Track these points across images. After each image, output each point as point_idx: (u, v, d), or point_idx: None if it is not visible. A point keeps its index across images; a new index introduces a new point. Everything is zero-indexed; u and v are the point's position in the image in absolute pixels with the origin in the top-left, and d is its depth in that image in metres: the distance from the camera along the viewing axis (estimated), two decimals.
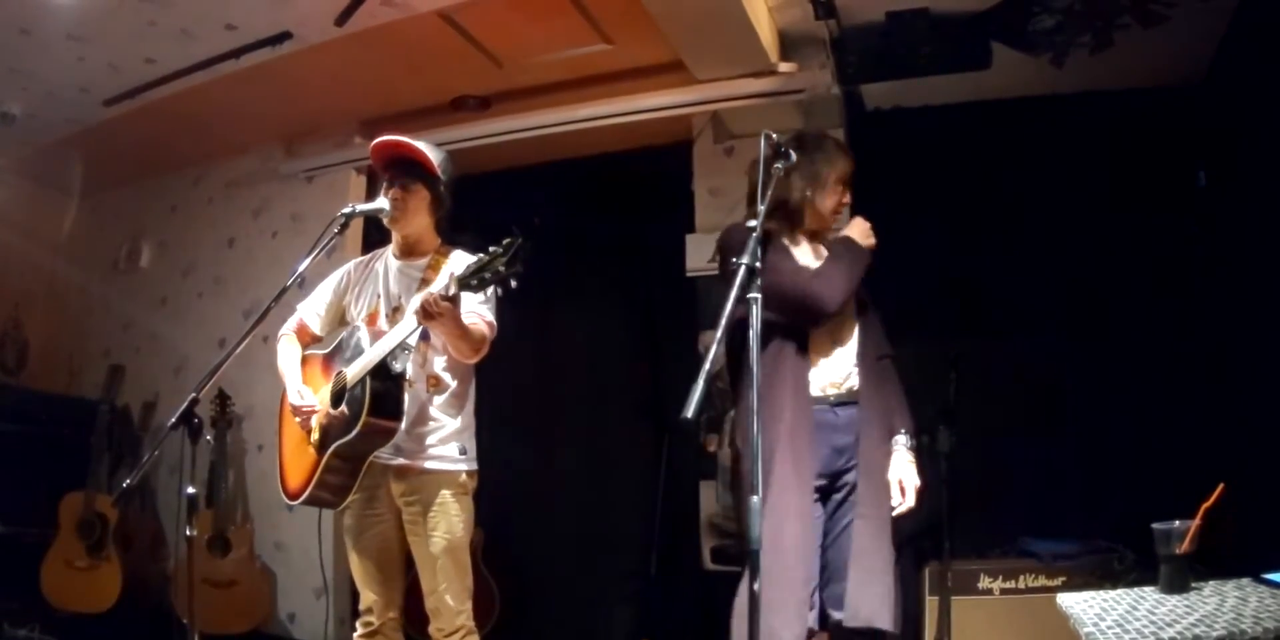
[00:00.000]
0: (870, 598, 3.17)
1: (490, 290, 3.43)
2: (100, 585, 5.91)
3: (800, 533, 3.17)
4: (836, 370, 3.41)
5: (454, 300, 3.16)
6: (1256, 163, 4.43)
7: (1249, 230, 4.53)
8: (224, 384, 5.96)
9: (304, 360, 3.78)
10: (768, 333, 3.21)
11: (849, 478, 3.34)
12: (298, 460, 3.63)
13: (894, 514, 3.32)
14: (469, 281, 3.07)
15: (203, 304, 6.86)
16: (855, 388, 3.40)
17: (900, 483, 3.37)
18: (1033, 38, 4.82)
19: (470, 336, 3.39)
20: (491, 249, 3.08)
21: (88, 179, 7.48)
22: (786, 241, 3.49)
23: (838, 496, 3.35)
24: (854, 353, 3.45)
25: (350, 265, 3.87)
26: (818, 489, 3.30)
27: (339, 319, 3.80)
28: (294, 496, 3.62)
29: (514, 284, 3.08)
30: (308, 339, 3.86)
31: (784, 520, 3.13)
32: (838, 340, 3.45)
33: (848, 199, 3.60)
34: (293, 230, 6.52)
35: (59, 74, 5.58)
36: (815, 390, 3.36)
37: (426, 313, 3.17)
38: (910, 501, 3.35)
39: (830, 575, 3.27)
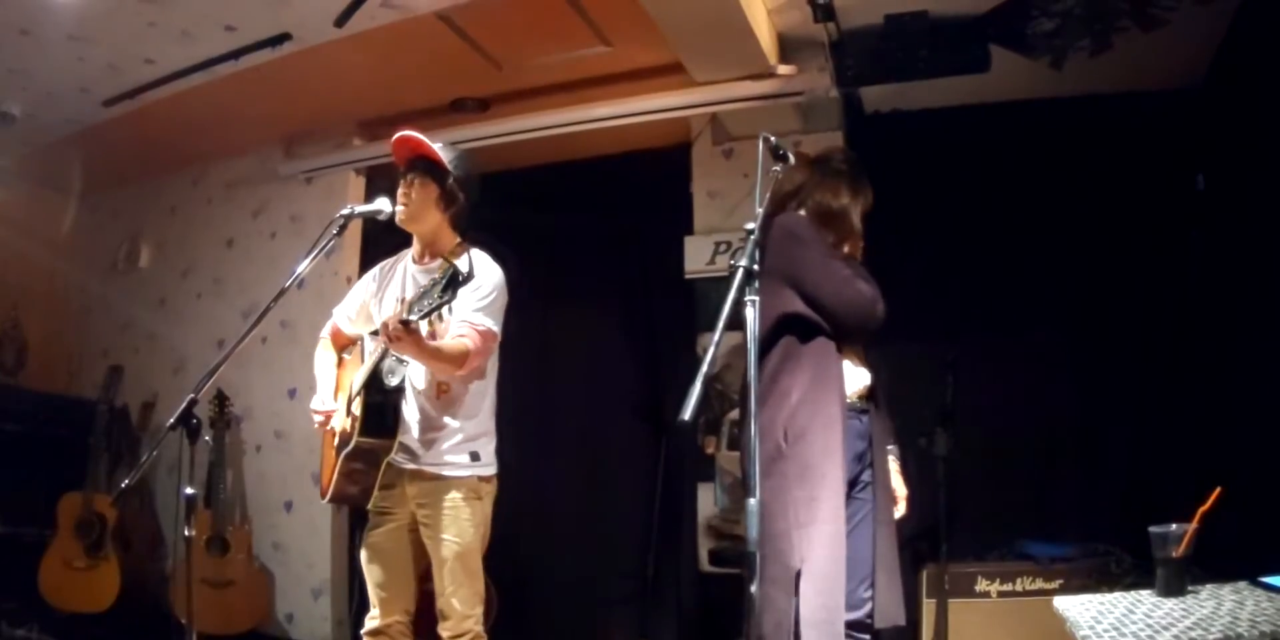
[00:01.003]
0: (894, 599, 3.27)
1: (493, 297, 3.46)
2: (98, 585, 5.92)
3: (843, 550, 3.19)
4: (862, 376, 3.42)
5: (406, 325, 3.15)
6: (1255, 166, 4.44)
7: (1247, 234, 4.53)
8: (222, 384, 5.98)
9: (342, 363, 3.85)
10: (813, 332, 3.22)
11: (864, 477, 3.36)
12: (329, 460, 3.69)
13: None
14: (412, 308, 3.10)
15: (201, 304, 6.87)
16: (865, 395, 3.42)
17: (896, 490, 3.48)
18: (1032, 41, 4.82)
19: (443, 356, 3.35)
20: (430, 278, 3.15)
21: (87, 179, 7.48)
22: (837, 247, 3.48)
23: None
24: (865, 360, 3.47)
25: (376, 268, 3.89)
26: None
27: (369, 321, 3.82)
28: (323, 494, 3.68)
29: (449, 312, 3.23)
30: (343, 341, 3.91)
31: (836, 539, 3.13)
32: (859, 346, 3.46)
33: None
34: (291, 231, 6.52)
35: (59, 74, 5.57)
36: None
37: (386, 336, 3.17)
38: (902, 510, 3.49)
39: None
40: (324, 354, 3.87)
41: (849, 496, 3.33)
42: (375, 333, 3.65)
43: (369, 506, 3.63)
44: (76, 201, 7.73)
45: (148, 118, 6.04)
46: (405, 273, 3.72)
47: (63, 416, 6.64)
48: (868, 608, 3.26)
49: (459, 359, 3.38)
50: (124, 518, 6.19)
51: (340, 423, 3.61)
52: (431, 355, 3.32)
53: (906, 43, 4.79)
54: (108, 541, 5.99)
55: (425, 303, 3.06)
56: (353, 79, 5.69)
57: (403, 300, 3.65)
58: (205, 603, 5.56)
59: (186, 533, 3.27)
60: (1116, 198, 5.09)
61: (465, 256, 3.27)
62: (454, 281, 3.03)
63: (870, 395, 3.43)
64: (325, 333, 3.93)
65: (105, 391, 6.63)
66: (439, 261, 3.62)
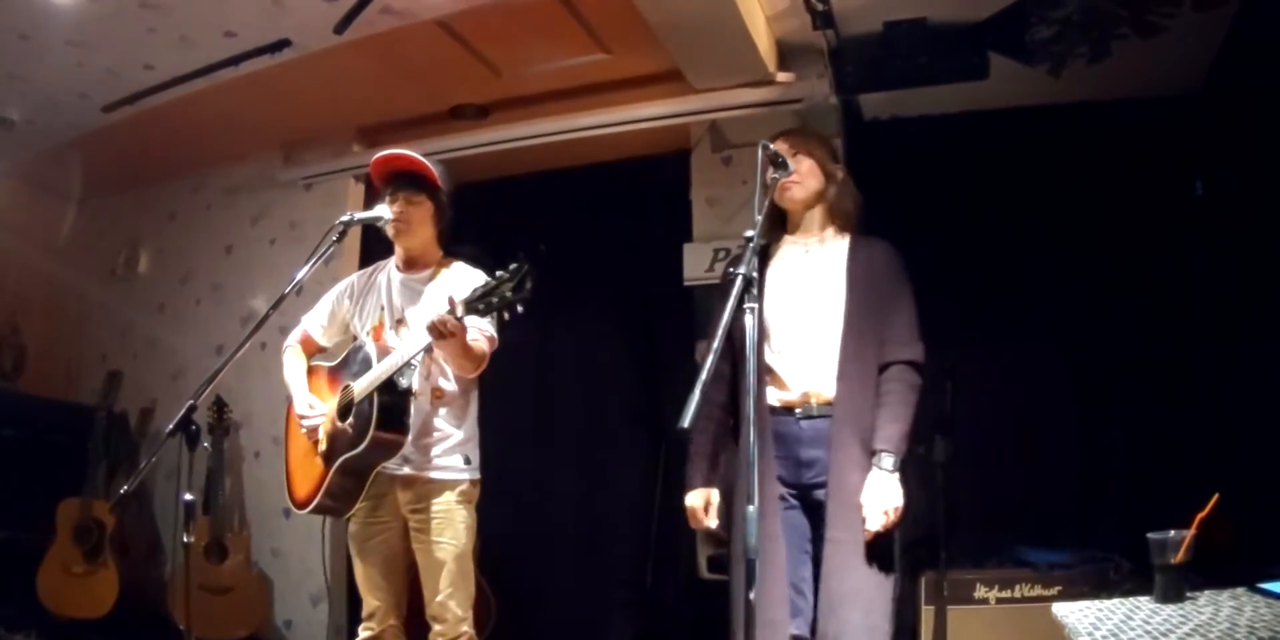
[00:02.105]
0: (837, 622, 3.08)
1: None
2: (97, 591, 5.91)
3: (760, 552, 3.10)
4: (805, 381, 3.30)
5: (460, 320, 3.19)
6: (1253, 173, 4.44)
7: (1246, 239, 4.54)
8: (221, 391, 5.97)
9: (310, 371, 3.84)
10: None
11: (819, 494, 3.22)
12: (305, 470, 3.67)
13: (867, 537, 3.13)
14: (475, 306, 3.12)
15: (201, 311, 6.86)
16: (828, 400, 3.26)
17: (864, 505, 3.13)
18: (1030, 48, 4.83)
19: (472, 355, 3.44)
20: (499, 274, 3.12)
21: (86, 185, 7.49)
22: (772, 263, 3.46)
23: (813, 511, 3.25)
24: (831, 365, 3.29)
25: (353, 277, 3.92)
26: (792, 498, 3.26)
27: (342, 331, 3.86)
28: (301, 505, 3.67)
29: (520, 310, 3.14)
30: (313, 350, 3.92)
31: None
32: (808, 352, 3.32)
33: (798, 165, 3.39)
34: (291, 238, 6.52)
35: (58, 79, 5.58)
36: (776, 402, 3.30)
37: (439, 332, 3.20)
38: (873, 525, 3.10)
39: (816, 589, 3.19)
40: (295, 361, 3.87)
41: (805, 507, 3.28)
42: (368, 331, 3.69)
43: (355, 518, 3.65)
44: (76, 207, 7.74)
45: (147, 123, 6.05)
46: (389, 282, 3.76)
47: (61, 422, 6.63)
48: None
49: (481, 359, 3.51)
50: (122, 524, 6.17)
51: (325, 431, 3.61)
52: (466, 353, 3.41)
53: (905, 50, 4.80)
54: (106, 547, 5.98)
55: (494, 299, 3.09)
56: (352, 85, 5.70)
57: (387, 308, 3.71)
58: (203, 609, 5.56)
59: (185, 539, 3.28)
60: (1115, 204, 5.09)
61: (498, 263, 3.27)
62: (526, 279, 3.08)
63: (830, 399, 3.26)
64: (294, 340, 3.93)
65: (104, 397, 6.62)
66: (428, 271, 3.70)
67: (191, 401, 3.25)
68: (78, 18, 4.90)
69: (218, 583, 5.78)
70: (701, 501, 3.31)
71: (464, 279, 3.53)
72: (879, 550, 3.16)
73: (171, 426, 3.22)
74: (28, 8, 4.81)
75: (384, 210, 3.63)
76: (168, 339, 6.89)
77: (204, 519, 5.85)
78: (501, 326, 3.59)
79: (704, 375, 2.46)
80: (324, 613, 5.86)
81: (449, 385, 3.61)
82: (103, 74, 5.54)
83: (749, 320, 2.64)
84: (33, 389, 7.24)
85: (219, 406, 6.05)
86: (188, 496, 3.31)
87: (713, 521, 3.27)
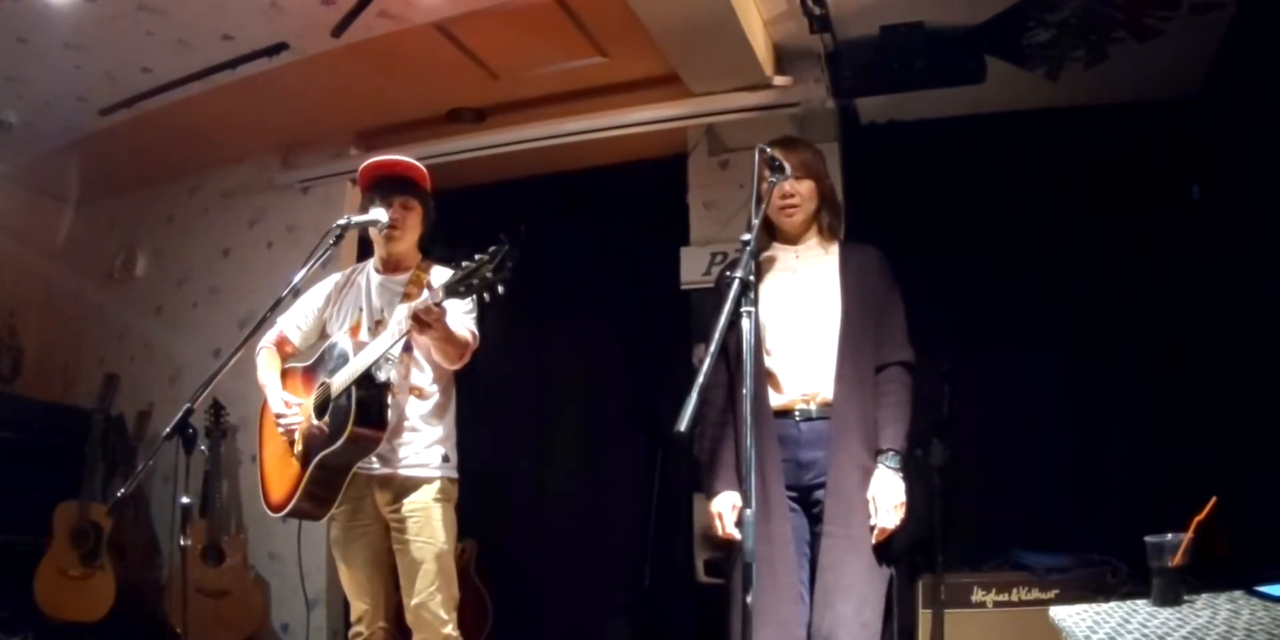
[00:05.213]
0: (832, 616, 3.09)
1: (473, 300, 3.47)
2: (94, 594, 5.89)
3: (770, 553, 3.11)
4: (803, 384, 3.31)
5: (439, 306, 3.19)
6: (1251, 176, 4.45)
7: (1243, 243, 4.54)
8: (219, 394, 5.95)
9: (284, 373, 3.81)
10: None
11: (818, 495, 3.23)
12: (281, 473, 3.64)
13: (875, 534, 3.15)
14: (456, 288, 3.09)
15: (198, 314, 6.85)
16: (828, 402, 3.28)
17: (874, 500, 3.18)
18: (1027, 52, 4.83)
19: (455, 341, 3.43)
20: (478, 256, 3.08)
21: (83, 187, 7.48)
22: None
23: (813, 511, 3.26)
24: (827, 367, 3.31)
25: (331, 279, 3.92)
26: (792, 501, 3.26)
27: (319, 332, 3.84)
28: (277, 509, 3.63)
29: (501, 290, 3.08)
30: (287, 352, 3.89)
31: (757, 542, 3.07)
32: (805, 356, 3.34)
33: (798, 187, 3.44)
34: (288, 241, 6.52)
35: (56, 82, 5.58)
36: (773, 405, 3.30)
37: (421, 321, 3.19)
38: (887, 522, 3.15)
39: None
40: (268, 362, 3.84)
41: (806, 508, 3.28)
42: (345, 332, 3.68)
43: (336, 522, 3.63)
44: (73, 210, 7.74)
45: (144, 126, 6.04)
46: (368, 284, 3.77)
47: (58, 425, 6.61)
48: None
49: (464, 349, 3.51)
50: (119, 527, 6.16)
51: (301, 431, 3.59)
52: (450, 338, 3.40)
53: (902, 54, 4.80)
54: (103, 550, 5.97)
55: (474, 281, 3.05)
56: (350, 89, 5.71)
57: (366, 309, 3.71)
58: (200, 612, 5.56)
59: (182, 542, 3.28)
60: (1112, 207, 5.10)
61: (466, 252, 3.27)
62: (506, 260, 3.03)
63: (830, 401, 3.28)
64: (269, 341, 3.89)
65: (101, 400, 6.60)
66: (407, 274, 3.71)
67: (189, 404, 3.25)
68: (76, 20, 4.89)
69: (215, 586, 5.77)
70: (729, 506, 3.23)
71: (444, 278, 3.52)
72: (875, 547, 3.18)
73: (169, 429, 3.22)
74: (26, 10, 4.80)
75: (380, 214, 3.62)
76: (165, 342, 6.89)
77: (201, 522, 5.84)
78: (488, 326, 3.60)
79: (701, 379, 2.46)
80: (321, 617, 5.85)
81: (428, 383, 3.61)
82: (100, 77, 5.53)
83: (745, 324, 2.63)
84: (30, 392, 7.22)
85: (216, 409, 6.04)
86: (184, 499, 3.31)
87: (734, 529, 3.16)
